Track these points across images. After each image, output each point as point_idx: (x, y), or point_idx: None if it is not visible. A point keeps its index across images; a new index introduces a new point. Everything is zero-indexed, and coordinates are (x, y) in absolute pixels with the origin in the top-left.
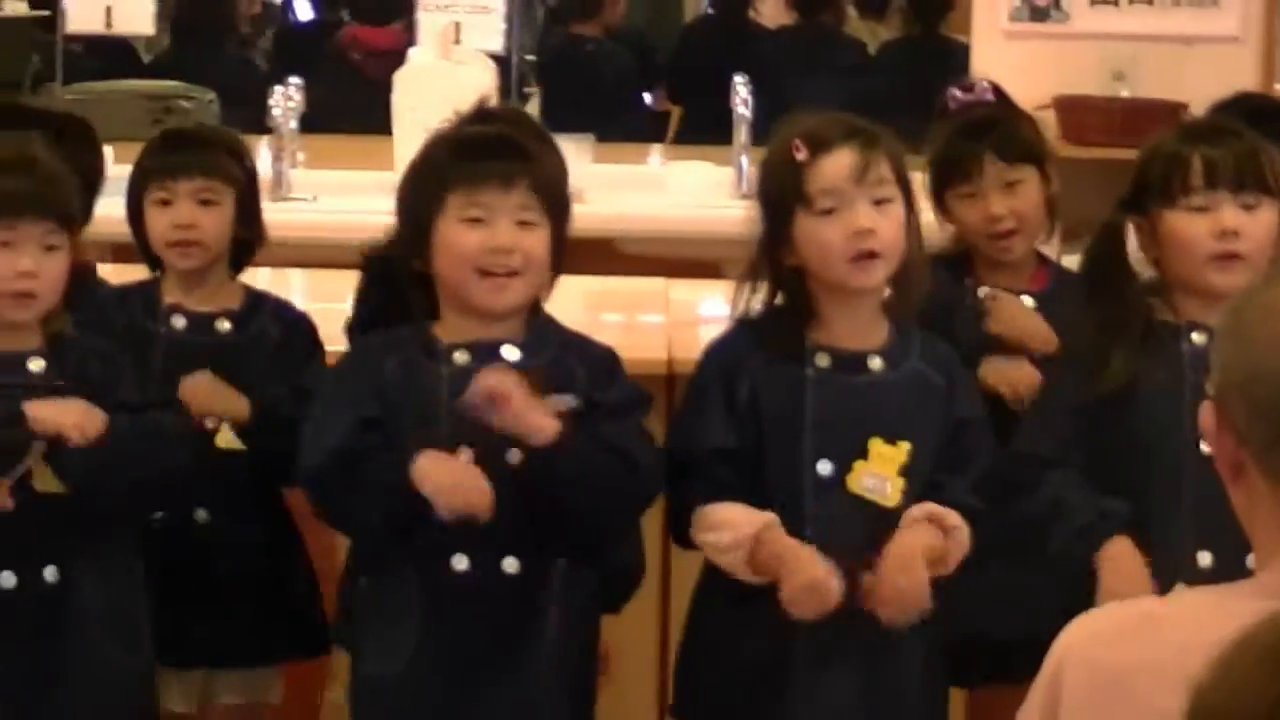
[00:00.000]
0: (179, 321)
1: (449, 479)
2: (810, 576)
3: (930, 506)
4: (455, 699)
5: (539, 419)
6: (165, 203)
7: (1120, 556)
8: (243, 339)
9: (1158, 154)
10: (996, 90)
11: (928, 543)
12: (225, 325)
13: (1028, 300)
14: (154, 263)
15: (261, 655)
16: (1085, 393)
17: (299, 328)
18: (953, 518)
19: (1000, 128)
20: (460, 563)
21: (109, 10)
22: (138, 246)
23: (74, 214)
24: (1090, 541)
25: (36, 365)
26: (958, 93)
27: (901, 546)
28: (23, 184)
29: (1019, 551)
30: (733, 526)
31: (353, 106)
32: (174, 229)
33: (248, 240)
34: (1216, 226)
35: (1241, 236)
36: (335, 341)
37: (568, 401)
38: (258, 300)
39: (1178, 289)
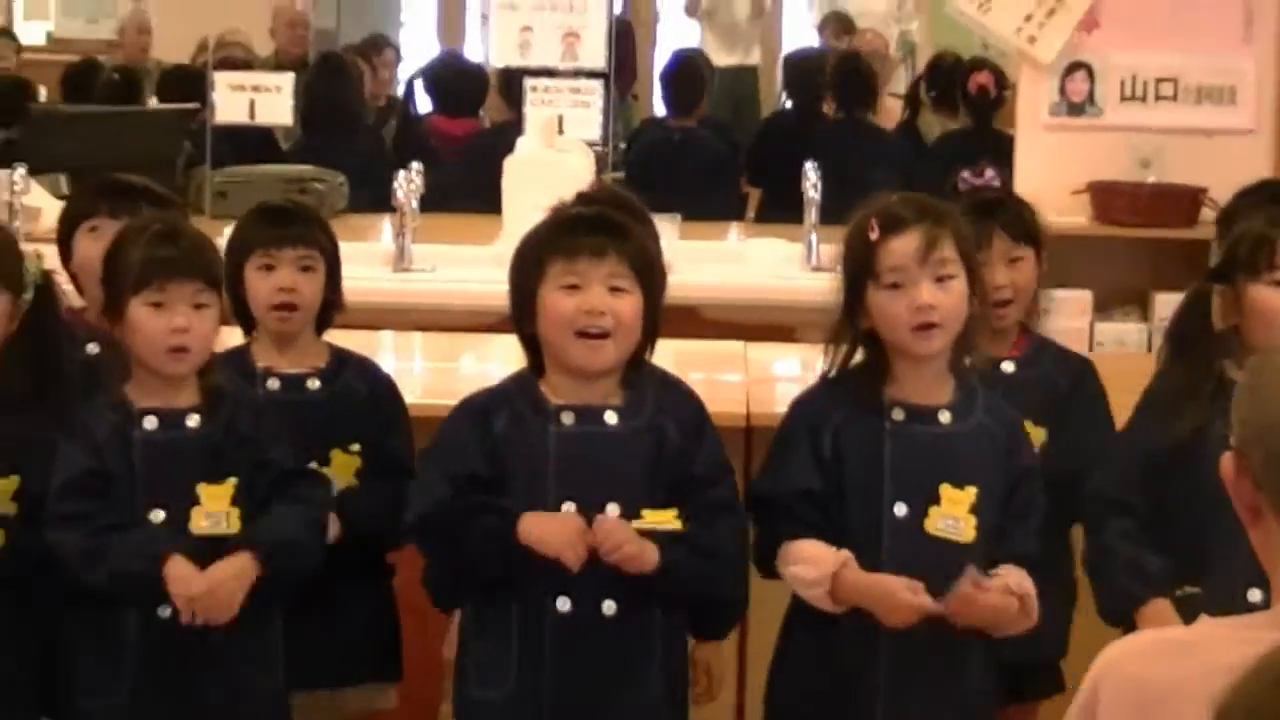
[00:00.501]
0: (273, 383)
1: (553, 536)
2: (896, 594)
3: (1010, 579)
4: None
5: (642, 556)
6: (269, 268)
7: (1159, 617)
8: (332, 396)
9: (1247, 234)
10: (1001, 177)
11: (1002, 605)
12: (315, 384)
13: (1007, 366)
14: (248, 326)
15: (380, 673)
16: (1159, 440)
17: (382, 384)
18: (1027, 585)
19: (1009, 209)
20: (563, 604)
21: (252, 104)
22: (233, 310)
23: (219, 276)
24: (1132, 599)
25: (193, 421)
26: (968, 175)
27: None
28: (170, 250)
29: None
30: (815, 563)
31: (464, 189)
32: (277, 292)
33: (332, 304)
34: None
35: None
36: (445, 396)
37: (667, 529)
38: (343, 359)
39: (1251, 352)
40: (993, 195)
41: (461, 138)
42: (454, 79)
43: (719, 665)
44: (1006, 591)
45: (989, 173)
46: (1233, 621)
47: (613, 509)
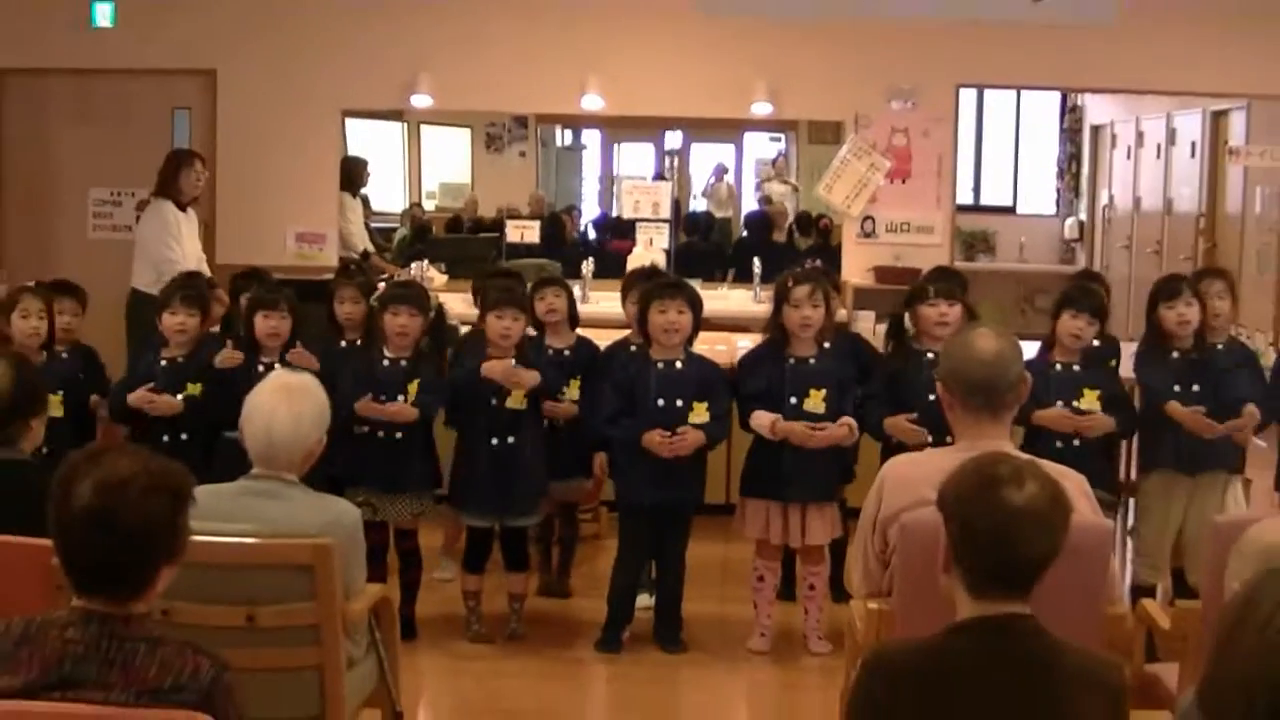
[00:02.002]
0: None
1: (654, 445)
2: (796, 431)
3: (837, 432)
4: None
5: (697, 441)
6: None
7: (899, 429)
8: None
9: (918, 285)
10: (825, 264)
11: (833, 437)
12: (566, 353)
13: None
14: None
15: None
16: (888, 375)
17: (584, 345)
18: (841, 433)
19: (831, 277)
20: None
21: (522, 234)
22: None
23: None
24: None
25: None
26: (810, 262)
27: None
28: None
29: None
30: (765, 420)
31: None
32: (548, 312)
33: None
34: None
35: None
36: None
37: (702, 420)
38: (581, 341)
39: (922, 336)
40: (823, 270)
41: (624, 250)
42: (618, 224)
43: (718, 464)
44: (839, 431)
45: (818, 262)
46: (942, 449)
47: (678, 401)
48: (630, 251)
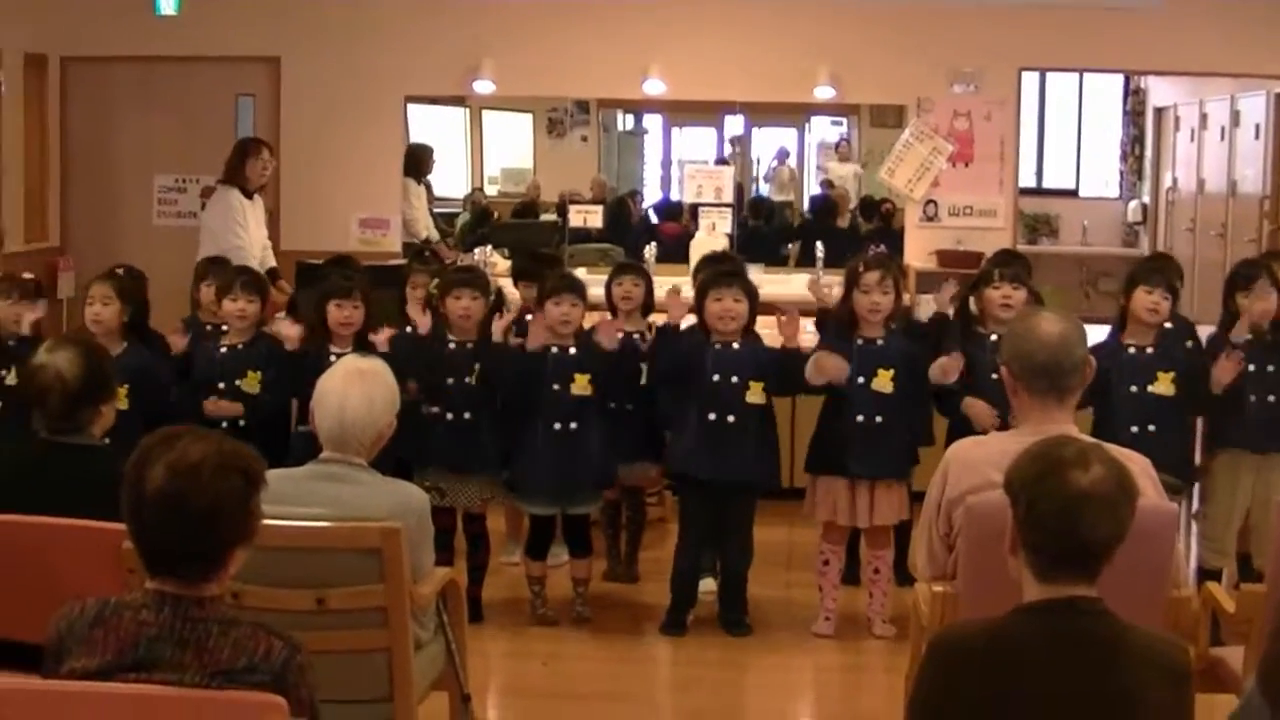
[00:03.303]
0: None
1: None
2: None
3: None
4: None
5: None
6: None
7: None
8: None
9: (985, 270)
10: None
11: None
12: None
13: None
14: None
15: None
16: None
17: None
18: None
19: (896, 262)
20: (713, 415)
21: (585, 218)
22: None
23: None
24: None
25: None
26: (874, 247)
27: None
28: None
29: None
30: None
31: (673, 255)
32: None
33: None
34: None
35: None
36: None
37: (757, 399)
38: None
39: (988, 321)
40: (886, 256)
41: (673, 233)
42: (668, 207)
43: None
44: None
45: (881, 247)
46: (1007, 432)
47: (734, 378)
48: (680, 235)
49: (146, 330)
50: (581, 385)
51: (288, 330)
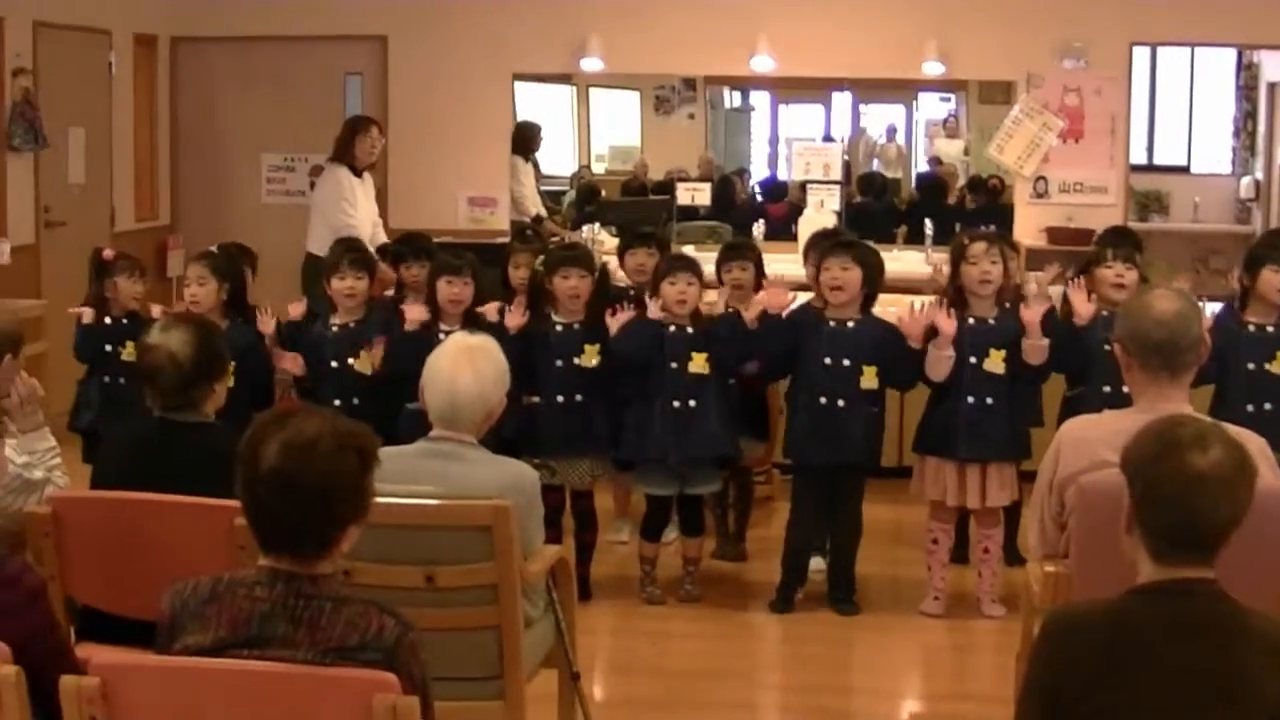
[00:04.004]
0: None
1: None
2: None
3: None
4: None
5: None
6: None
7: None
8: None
9: (1097, 247)
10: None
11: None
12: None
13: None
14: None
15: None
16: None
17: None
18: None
19: (1006, 239)
20: (825, 399)
21: (693, 196)
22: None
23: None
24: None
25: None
26: (983, 227)
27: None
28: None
29: None
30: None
31: (778, 234)
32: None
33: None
34: None
35: None
36: None
37: (870, 384)
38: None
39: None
40: (995, 233)
41: (780, 213)
42: (774, 186)
43: (891, 427)
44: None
45: (992, 227)
46: (1120, 411)
47: (846, 361)
48: (785, 215)
49: (246, 306)
50: (699, 364)
51: (415, 314)
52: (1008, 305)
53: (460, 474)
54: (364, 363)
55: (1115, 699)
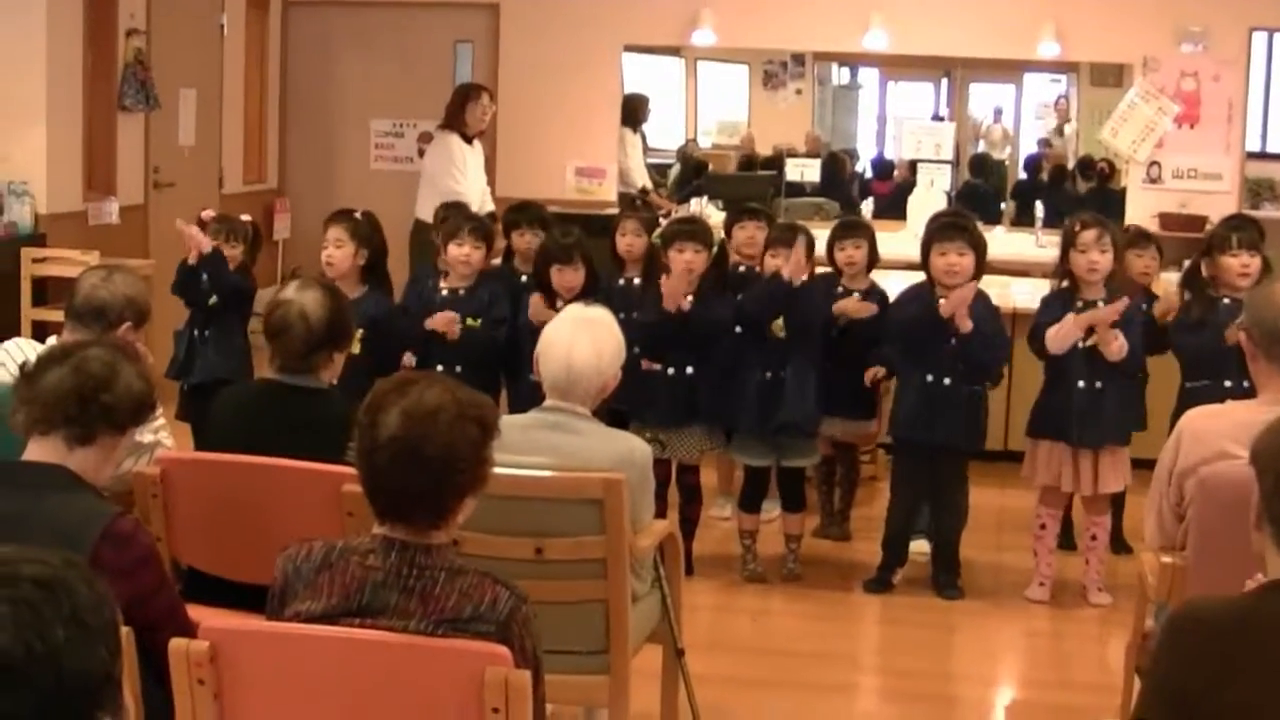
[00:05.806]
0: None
1: None
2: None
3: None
4: None
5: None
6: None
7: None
8: None
9: (1217, 233)
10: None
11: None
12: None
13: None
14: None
15: None
16: (1190, 319)
17: None
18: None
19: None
20: (931, 378)
21: (802, 172)
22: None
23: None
24: None
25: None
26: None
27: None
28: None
29: None
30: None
31: (889, 212)
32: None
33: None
34: None
35: None
36: None
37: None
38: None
39: (1220, 287)
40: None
41: (886, 191)
42: (881, 163)
43: (997, 411)
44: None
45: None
46: (1243, 402)
47: (953, 341)
48: (892, 193)
49: (384, 276)
50: (778, 326)
51: (538, 313)
52: (1114, 289)
53: (573, 446)
54: (470, 328)
55: (1243, 697)
